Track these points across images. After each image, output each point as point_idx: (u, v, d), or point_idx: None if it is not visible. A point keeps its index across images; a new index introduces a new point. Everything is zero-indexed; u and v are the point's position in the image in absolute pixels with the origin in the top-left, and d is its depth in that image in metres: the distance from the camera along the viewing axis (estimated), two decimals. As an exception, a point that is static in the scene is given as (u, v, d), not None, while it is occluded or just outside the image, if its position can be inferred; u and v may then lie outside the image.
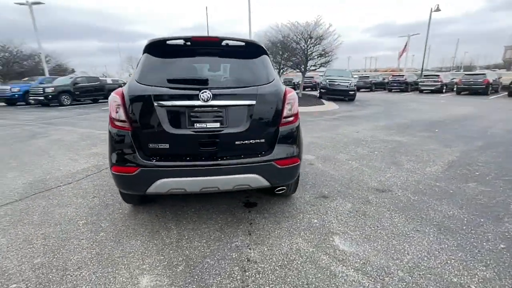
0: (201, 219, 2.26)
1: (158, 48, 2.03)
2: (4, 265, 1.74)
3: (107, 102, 2.10)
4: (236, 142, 1.94)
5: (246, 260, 1.76)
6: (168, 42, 1.99)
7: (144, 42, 2.03)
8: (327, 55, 12.70)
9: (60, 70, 28.27)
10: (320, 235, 2.01)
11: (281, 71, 17.77)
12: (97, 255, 1.82)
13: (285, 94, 2.06)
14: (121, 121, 1.88)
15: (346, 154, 4.13)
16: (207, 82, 1.90)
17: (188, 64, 2.06)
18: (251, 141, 1.97)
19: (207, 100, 1.84)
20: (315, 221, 2.21)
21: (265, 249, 1.87)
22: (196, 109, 1.87)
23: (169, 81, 1.91)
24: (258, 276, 1.62)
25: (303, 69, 13.38)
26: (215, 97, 1.87)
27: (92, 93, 15.78)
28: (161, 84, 1.90)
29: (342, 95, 12.87)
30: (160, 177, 1.85)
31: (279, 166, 2.00)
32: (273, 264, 1.72)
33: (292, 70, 15.98)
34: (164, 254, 1.82)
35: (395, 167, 3.47)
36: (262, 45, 2.23)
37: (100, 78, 17.62)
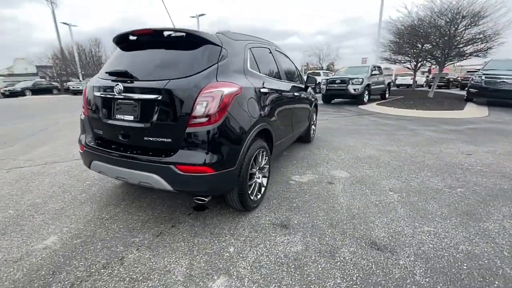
0: (141, 210, 2.36)
1: (118, 43, 2.20)
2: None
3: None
4: (145, 138, 1.84)
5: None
6: (120, 37, 2.13)
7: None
8: (485, 39, 8.82)
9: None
10: None
11: (418, 64, 14.24)
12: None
13: (201, 91, 1.72)
14: (83, 107, 2.26)
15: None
16: (126, 75, 1.90)
17: (129, 57, 2.10)
18: (157, 139, 1.81)
19: (119, 93, 1.85)
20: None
21: (147, 257, 1.72)
22: (118, 101, 1.94)
23: (106, 73, 2.06)
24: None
25: (440, 60, 10.04)
26: (127, 90, 1.85)
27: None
28: (102, 76, 2.09)
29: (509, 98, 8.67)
30: (93, 159, 2.09)
31: (180, 172, 1.73)
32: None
33: (431, 62, 12.38)
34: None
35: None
36: (206, 36, 1.92)
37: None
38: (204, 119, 1.71)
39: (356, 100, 10.16)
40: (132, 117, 1.88)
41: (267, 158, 2.41)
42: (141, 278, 1.54)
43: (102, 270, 1.60)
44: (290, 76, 3.47)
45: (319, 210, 2.29)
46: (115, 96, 1.91)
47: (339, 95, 10.41)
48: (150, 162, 1.78)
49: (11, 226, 2.08)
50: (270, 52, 2.90)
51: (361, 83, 9.73)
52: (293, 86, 3.28)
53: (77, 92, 22.01)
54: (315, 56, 44.89)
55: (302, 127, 3.79)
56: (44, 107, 12.09)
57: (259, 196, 2.33)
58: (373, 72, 10.70)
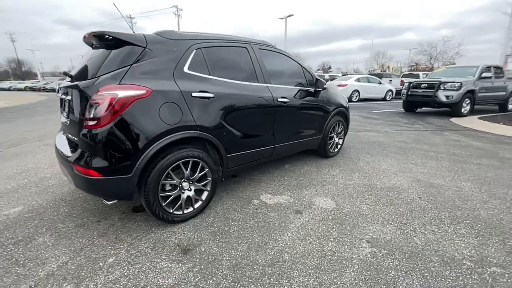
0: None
1: (87, 44, 2.36)
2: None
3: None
4: (68, 135, 1.97)
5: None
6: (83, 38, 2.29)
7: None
8: None
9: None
10: None
11: None
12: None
13: (94, 93, 1.67)
14: None
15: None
16: (66, 75, 2.04)
17: (87, 57, 2.22)
18: (72, 137, 1.90)
19: (58, 92, 2.05)
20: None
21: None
22: (63, 100, 2.14)
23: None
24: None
25: None
26: (63, 90, 2.02)
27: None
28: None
29: None
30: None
31: (77, 172, 1.76)
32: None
33: None
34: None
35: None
36: (126, 37, 1.84)
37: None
38: (93, 122, 1.67)
39: (451, 110, 7.82)
40: (65, 114, 2.05)
41: (206, 169, 2.16)
42: (22, 260, 1.67)
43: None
44: (285, 78, 2.99)
45: (243, 243, 1.87)
46: (60, 96, 2.13)
47: (424, 103, 8.27)
48: (68, 159, 1.89)
49: (13, 192, 2.67)
50: (248, 52, 2.56)
51: (458, 89, 7.40)
52: (285, 90, 2.81)
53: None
54: (425, 54, 37.43)
55: (305, 138, 3.22)
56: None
57: (188, 210, 2.12)
58: (484, 75, 7.94)
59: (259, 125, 2.59)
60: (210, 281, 1.52)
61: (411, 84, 8.46)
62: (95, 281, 1.52)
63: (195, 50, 2.13)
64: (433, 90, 7.73)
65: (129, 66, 1.79)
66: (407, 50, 41.34)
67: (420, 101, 8.29)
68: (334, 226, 2.10)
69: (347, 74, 22.99)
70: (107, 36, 1.86)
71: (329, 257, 1.74)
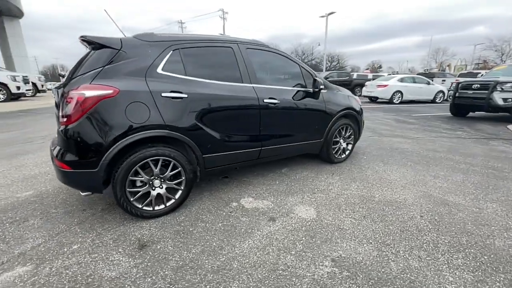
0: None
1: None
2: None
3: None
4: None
5: None
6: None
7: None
8: None
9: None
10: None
11: None
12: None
13: (66, 92, 1.82)
14: None
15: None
16: (63, 77, 2.25)
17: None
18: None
19: (53, 91, 2.28)
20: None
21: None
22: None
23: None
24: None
25: None
26: (53, 91, 2.24)
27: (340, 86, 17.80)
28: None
29: None
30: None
31: (54, 164, 1.94)
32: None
33: None
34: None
35: None
36: (101, 41, 1.96)
37: (350, 73, 19.11)
38: (65, 119, 1.82)
39: (510, 116, 6.59)
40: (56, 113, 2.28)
41: (179, 168, 2.19)
42: (8, 238, 1.90)
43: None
44: (277, 78, 2.87)
45: (199, 246, 1.84)
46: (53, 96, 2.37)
47: (476, 106, 7.10)
48: (52, 154, 2.10)
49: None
50: (233, 52, 2.52)
51: (520, 90, 6.20)
52: (274, 91, 2.70)
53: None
54: (496, 50, 32.22)
55: (301, 141, 3.04)
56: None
57: (160, 207, 2.18)
58: (560, 73, 6.49)
59: (241, 126, 2.53)
60: (148, 279, 1.54)
61: (460, 85, 7.37)
62: (52, 264, 1.66)
63: (172, 51, 2.17)
64: (486, 91, 6.60)
65: (101, 68, 1.91)
66: (472, 46, 36.10)
67: (470, 104, 7.16)
68: (303, 239, 1.94)
69: (397, 73, 21.17)
70: (89, 40, 2.02)
71: (280, 271, 1.61)
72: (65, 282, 1.52)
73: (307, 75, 3.06)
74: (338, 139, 3.47)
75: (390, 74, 18.22)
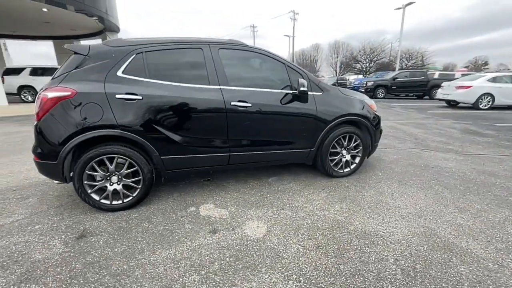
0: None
1: None
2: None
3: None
4: None
5: None
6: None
7: None
8: None
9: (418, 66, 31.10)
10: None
11: None
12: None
13: (40, 92, 2.10)
14: None
15: None
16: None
17: None
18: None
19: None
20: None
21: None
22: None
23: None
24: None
25: None
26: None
27: (412, 88, 15.36)
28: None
29: None
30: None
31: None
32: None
33: None
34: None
35: None
36: (73, 48, 2.22)
37: (428, 72, 16.14)
38: (36, 116, 2.12)
39: None
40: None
41: (136, 167, 2.27)
42: (4, 210, 2.36)
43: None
44: (255, 80, 2.65)
45: (125, 246, 1.86)
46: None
47: None
48: None
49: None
50: (203, 54, 2.44)
51: None
52: (246, 93, 2.51)
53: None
54: None
55: (282, 149, 2.74)
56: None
57: (118, 202, 2.31)
58: None
59: (204, 129, 2.43)
60: (58, 269, 1.64)
61: None
62: (10, 239, 1.95)
63: (134, 55, 2.27)
64: None
65: (67, 72, 2.15)
66: None
67: None
68: (226, 259, 1.73)
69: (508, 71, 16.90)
70: (68, 49, 2.30)
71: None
72: (4, 256, 1.77)
73: (296, 76, 2.73)
74: (337, 149, 2.97)
75: (497, 71, 14.43)
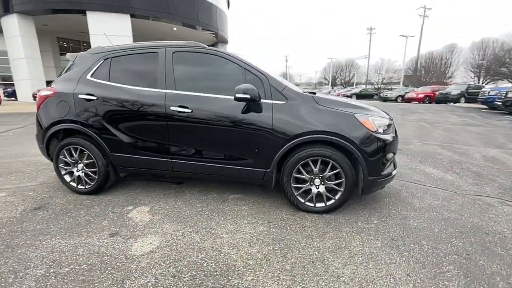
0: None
1: None
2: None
3: None
4: None
5: None
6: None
7: None
8: None
9: None
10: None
11: None
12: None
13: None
14: None
15: None
16: None
17: None
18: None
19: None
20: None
21: None
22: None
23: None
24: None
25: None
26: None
27: None
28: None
29: None
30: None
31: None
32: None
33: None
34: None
35: None
36: (67, 56, 2.69)
37: None
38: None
39: None
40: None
41: (93, 159, 2.58)
42: (4, 187, 3.21)
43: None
44: (206, 84, 2.40)
45: (53, 230, 2.15)
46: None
47: None
48: None
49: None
50: (157, 58, 2.44)
51: None
52: (190, 98, 2.34)
53: (386, 100, 23.86)
54: None
55: (229, 164, 2.38)
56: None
57: (80, 186, 2.68)
58: None
59: (147, 132, 2.45)
60: (15, 227, 2.08)
61: None
62: None
63: (102, 61, 2.56)
64: None
65: (60, 75, 2.68)
66: None
67: None
68: (82, 266, 1.68)
69: None
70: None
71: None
72: (-11, 209, 2.41)
73: (254, 79, 2.29)
74: (304, 176, 2.28)
75: None
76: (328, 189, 2.29)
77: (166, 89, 2.40)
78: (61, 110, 2.58)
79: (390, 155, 2.29)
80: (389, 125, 2.35)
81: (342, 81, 60.08)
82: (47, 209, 2.41)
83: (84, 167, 2.66)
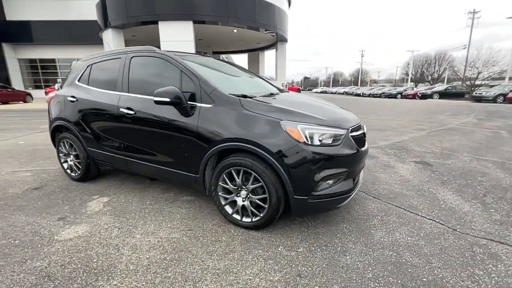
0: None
1: None
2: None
3: None
4: None
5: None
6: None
7: None
8: None
9: None
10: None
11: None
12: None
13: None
14: None
15: None
16: None
17: None
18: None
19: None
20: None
21: None
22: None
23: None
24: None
25: None
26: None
27: None
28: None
29: None
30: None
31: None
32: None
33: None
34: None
35: None
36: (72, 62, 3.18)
37: None
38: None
39: None
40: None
41: (77, 152, 3.03)
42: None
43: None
44: (150, 87, 2.47)
45: (31, 201, 2.65)
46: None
47: None
48: None
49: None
50: (120, 63, 2.65)
51: None
52: (135, 100, 2.48)
53: (480, 100, 19.23)
54: None
55: (166, 166, 2.41)
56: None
57: (71, 173, 3.19)
58: None
59: (107, 131, 2.70)
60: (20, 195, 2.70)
61: None
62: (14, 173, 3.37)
63: (86, 67, 2.95)
64: None
65: (65, 80, 3.23)
66: None
67: None
68: (8, 241, 2.02)
69: None
70: None
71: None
72: None
73: (189, 82, 2.23)
74: (228, 185, 2.09)
75: None
76: (254, 204, 2.04)
77: (121, 91, 2.60)
78: (58, 109, 3.12)
79: (329, 172, 1.87)
80: (338, 136, 1.92)
81: (430, 76, 51.12)
82: (42, 190, 2.96)
83: (74, 158, 3.15)
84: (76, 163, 3.14)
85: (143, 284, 1.56)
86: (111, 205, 2.60)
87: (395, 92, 29.30)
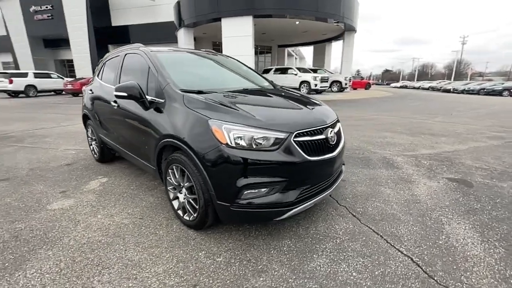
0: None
1: None
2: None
3: None
4: None
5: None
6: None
7: None
8: None
9: None
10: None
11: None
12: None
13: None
14: None
15: None
16: None
17: None
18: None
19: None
20: (81, 156, 4.16)
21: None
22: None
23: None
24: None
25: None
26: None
27: None
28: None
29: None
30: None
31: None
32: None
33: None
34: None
35: None
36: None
37: None
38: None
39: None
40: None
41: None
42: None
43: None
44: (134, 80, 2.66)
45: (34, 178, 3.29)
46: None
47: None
48: None
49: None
50: (119, 59, 2.95)
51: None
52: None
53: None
54: None
55: (138, 156, 2.63)
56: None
57: (95, 156, 3.79)
58: None
59: (106, 119, 3.08)
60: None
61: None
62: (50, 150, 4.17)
63: (101, 64, 3.41)
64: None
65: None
66: None
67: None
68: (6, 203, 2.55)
69: None
70: None
71: (-2, 198, 2.67)
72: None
73: (154, 79, 2.31)
74: (172, 181, 2.09)
75: None
76: (190, 204, 1.99)
77: (115, 85, 2.90)
78: (84, 100, 3.72)
79: (257, 180, 1.66)
80: (275, 140, 1.68)
81: None
82: (71, 166, 3.62)
83: (92, 143, 3.72)
84: (95, 146, 3.70)
85: (66, 259, 1.75)
86: (104, 185, 2.98)
87: (500, 88, 23.03)
